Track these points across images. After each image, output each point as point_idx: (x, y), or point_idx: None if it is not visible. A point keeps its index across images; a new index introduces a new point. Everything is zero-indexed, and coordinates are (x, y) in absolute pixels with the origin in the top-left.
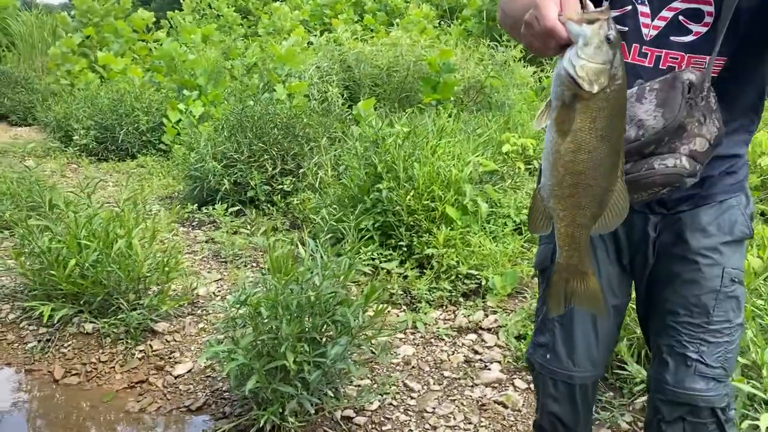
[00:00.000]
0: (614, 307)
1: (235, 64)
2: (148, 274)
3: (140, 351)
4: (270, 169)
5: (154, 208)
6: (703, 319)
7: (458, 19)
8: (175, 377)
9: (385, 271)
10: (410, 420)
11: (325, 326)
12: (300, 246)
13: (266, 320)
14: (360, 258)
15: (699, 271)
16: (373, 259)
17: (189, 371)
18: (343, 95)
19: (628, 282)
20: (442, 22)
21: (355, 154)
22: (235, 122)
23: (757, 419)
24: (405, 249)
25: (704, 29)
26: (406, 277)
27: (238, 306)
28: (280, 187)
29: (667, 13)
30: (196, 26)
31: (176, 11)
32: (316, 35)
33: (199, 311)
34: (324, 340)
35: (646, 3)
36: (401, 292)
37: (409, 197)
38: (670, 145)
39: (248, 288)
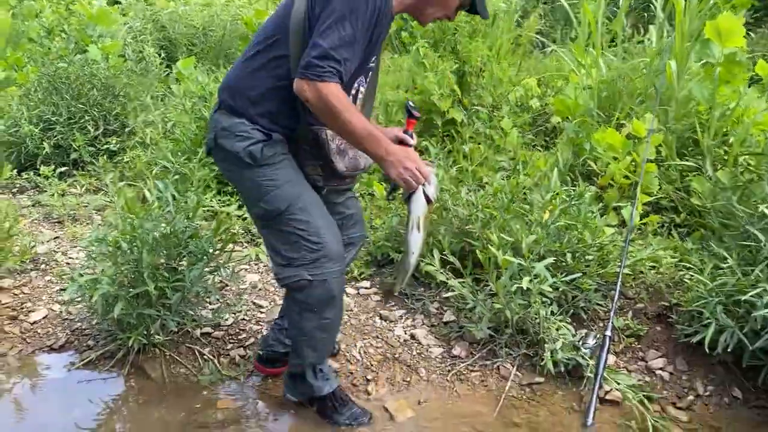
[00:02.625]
0: None
1: (32, 26)
2: None
3: None
4: (92, 130)
5: None
6: None
7: None
8: (32, 323)
9: (225, 213)
10: (261, 329)
11: (179, 256)
12: (146, 191)
13: (126, 253)
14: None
15: None
16: (212, 206)
17: (44, 317)
18: (160, 55)
19: None
20: None
21: (183, 110)
22: (47, 85)
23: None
24: None
25: None
26: (245, 218)
27: (98, 243)
28: (106, 147)
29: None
30: None
31: None
32: None
33: (42, 266)
34: (180, 269)
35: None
36: (242, 231)
37: None
38: None
39: (103, 229)
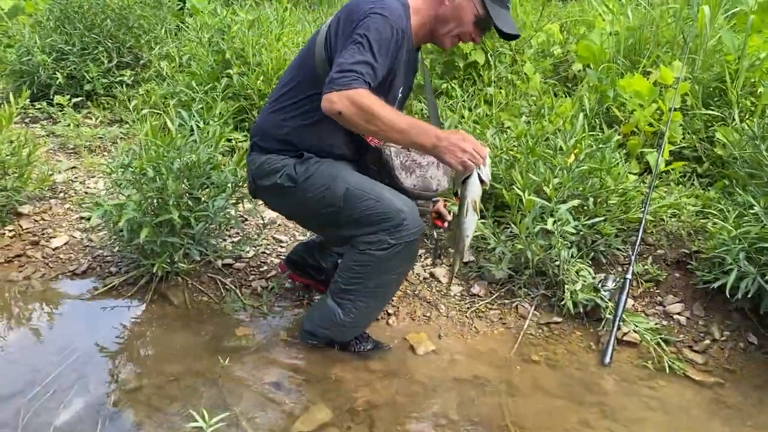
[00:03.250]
0: None
1: None
2: (8, 157)
3: (9, 231)
4: (106, 62)
5: None
6: None
7: None
8: (53, 249)
9: (244, 150)
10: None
11: (202, 187)
12: (168, 120)
13: (151, 180)
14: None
15: None
16: (230, 140)
17: (66, 243)
18: None
19: None
20: None
21: (200, 43)
22: (59, 14)
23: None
24: None
25: None
26: None
27: (123, 170)
28: (120, 79)
29: None
30: None
31: None
32: None
33: (61, 195)
34: (203, 199)
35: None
36: None
37: (259, 81)
38: None
39: (127, 156)
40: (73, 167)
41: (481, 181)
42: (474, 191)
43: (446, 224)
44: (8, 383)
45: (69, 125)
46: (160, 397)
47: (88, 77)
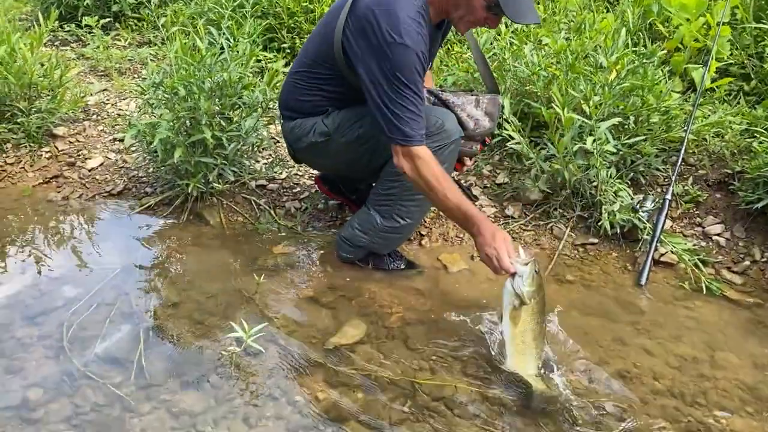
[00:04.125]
0: None
1: None
2: (41, 79)
3: (46, 152)
4: None
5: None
6: None
7: None
8: (89, 170)
9: (273, 70)
10: (314, 185)
11: (234, 107)
12: (197, 39)
13: (183, 99)
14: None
15: None
16: (259, 61)
17: (101, 165)
18: None
19: None
20: None
21: None
22: None
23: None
24: (288, 51)
25: None
26: None
27: (154, 89)
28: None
29: None
30: None
31: None
32: None
33: (94, 117)
34: (235, 118)
35: None
36: None
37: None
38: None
39: (158, 76)
40: (104, 89)
41: (517, 294)
42: (505, 299)
43: (464, 168)
44: (51, 298)
45: (98, 47)
46: (200, 312)
47: None
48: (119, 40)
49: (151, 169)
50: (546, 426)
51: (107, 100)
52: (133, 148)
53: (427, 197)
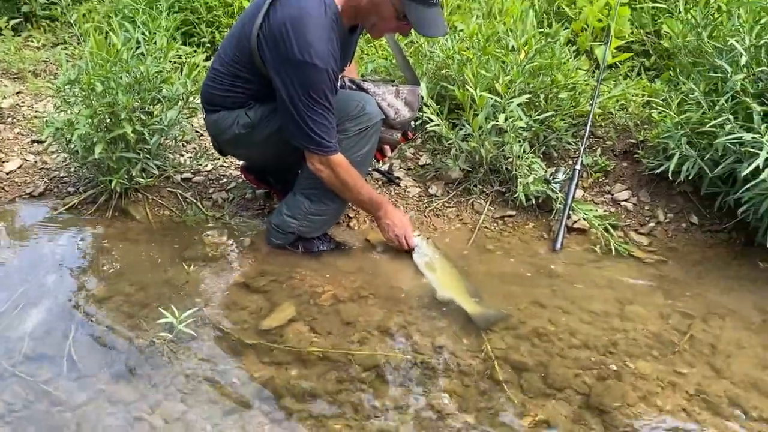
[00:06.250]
0: None
1: None
2: None
3: None
4: None
5: None
6: None
7: None
8: (7, 173)
9: (193, 63)
10: (240, 175)
11: (154, 101)
12: (112, 34)
13: (100, 95)
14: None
15: None
16: (180, 56)
17: (19, 167)
18: None
19: None
20: None
21: None
22: None
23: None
24: (209, 45)
25: None
26: None
27: (70, 86)
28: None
29: None
30: None
31: None
32: None
33: (9, 120)
34: (156, 112)
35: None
36: None
37: None
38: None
39: (74, 72)
40: (19, 92)
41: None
42: (417, 260)
43: (385, 158)
44: None
45: (10, 49)
46: (129, 304)
47: None
48: (32, 42)
49: (73, 168)
50: (473, 385)
51: (22, 102)
52: (52, 148)
53: (342, 195)
